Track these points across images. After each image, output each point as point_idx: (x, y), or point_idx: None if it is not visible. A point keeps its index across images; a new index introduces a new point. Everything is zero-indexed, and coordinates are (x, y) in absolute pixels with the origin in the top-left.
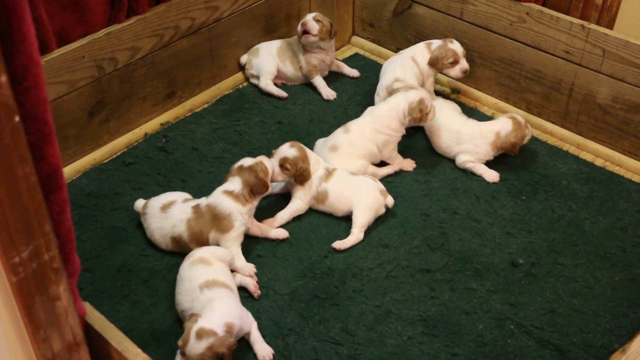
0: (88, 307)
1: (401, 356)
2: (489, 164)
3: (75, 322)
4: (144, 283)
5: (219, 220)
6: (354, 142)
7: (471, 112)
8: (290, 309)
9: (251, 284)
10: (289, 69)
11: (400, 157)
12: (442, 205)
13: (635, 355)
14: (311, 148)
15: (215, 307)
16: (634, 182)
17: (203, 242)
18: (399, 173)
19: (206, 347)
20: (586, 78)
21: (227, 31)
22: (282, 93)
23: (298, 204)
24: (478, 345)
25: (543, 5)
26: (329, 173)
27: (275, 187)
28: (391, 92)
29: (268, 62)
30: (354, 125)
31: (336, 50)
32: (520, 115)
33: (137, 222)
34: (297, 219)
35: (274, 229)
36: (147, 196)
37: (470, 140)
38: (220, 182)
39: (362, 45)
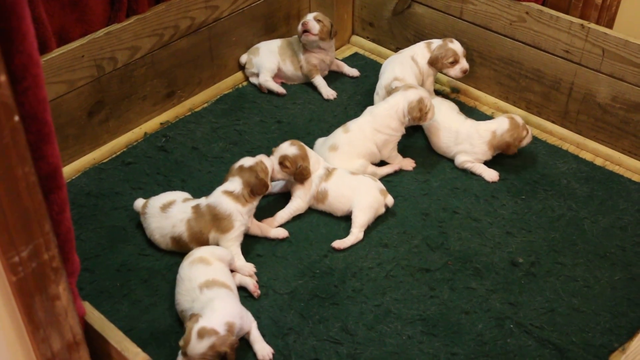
0: (88, 307)
1: (401, 355)
2: (489, 163)
3: (75, 321)
4: (144, 283)
5: (219, 221)
6: (353, 142)
7: (471, 111)
8: (290, 308)
9: (251, 283)
10: (289, 68)
11: (400, 157)
12: (442, 204)
13: (635, 355)
14: (311, 147)
15: (215, 307)
16: (633, 182)
17: (203, 242)
18: (399, 172)
19: (208, 346)
20: (586, 77)
21: (226, 31)
22: (281, 89)
23: (298, 203)
24: (478, 345)
25: (543, 4)
26: (328, 172)
27: (274, 187)
28: (390, 91)
29: (269, 59)
30: (354, 124)
31: (336, 49)
32: (520, 114)
33: (136, 221)
34: (296, 218)
35: (273, 228)
36: (147, 196)
37: (467, 139)
38: (220, 181)
39: (361, 44)
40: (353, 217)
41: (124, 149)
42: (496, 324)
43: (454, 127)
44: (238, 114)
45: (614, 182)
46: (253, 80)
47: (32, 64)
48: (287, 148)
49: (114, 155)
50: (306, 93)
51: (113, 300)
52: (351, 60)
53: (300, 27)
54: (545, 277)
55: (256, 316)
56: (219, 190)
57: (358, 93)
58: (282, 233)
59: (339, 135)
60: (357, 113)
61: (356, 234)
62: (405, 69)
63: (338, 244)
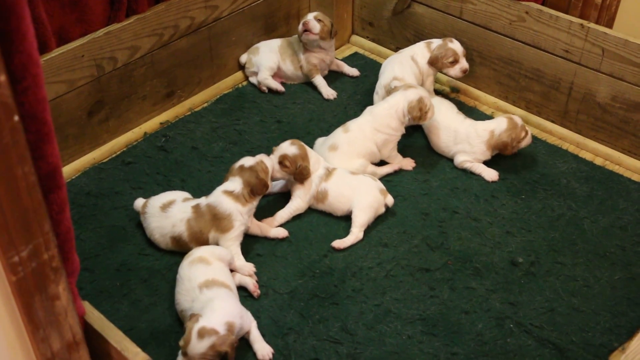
0: (87, 307)
1: (401, 355)
2: (488, 163)
3: (75, 321)
4: (144, 282)
5: (219, 220)
6: (353, 142)
7: (470, 111)
8: (289, 308)
9: (251, 283)
10: (289, 68)
11: (399, 156)
12: (442, 204)
13: (635, 354)
14: (311, 147)
15: (215, 307)
16: (633, 181)
17: (203, 241)
18: (399, 172)
19: (208, 346)
20: (585, 77)
21: (226, 30)
22: (280, 87)
23: (298, 203)
24: (478, 344)
25: (542, 4)
26: (329, 172)
27: (274, 186)
28: (389, 90)
29: (269, 57)
30: (354, 124)
31: (336, 49)
32: (519, 114)
33: (136, 221)
34: (296, 218)
35: (273, 228)
36: (147, 195)
37: (466, 139)
38: (220, 181)
39: (361, 44)
40: (353, 216)
41: (124, 149)
42: (496, 323)
43: (453, 126)
44: (238, 114)
45: (613, 181)
46: (253, 80)
47: (31, 64)
48: (287, 147)
49: (113, 155)
50: (306, 93)
51: (113, 300)
52: (351, 59)
53: (300, 27)
54: (545, 277)
55: (256, 316)
56: (219, 190)
57: (358, 93)
58: (282, 233)
59: (338, 135)
60: (357, 113)
61: (356, 233)
62: (404, 68)
63: (338, 243)
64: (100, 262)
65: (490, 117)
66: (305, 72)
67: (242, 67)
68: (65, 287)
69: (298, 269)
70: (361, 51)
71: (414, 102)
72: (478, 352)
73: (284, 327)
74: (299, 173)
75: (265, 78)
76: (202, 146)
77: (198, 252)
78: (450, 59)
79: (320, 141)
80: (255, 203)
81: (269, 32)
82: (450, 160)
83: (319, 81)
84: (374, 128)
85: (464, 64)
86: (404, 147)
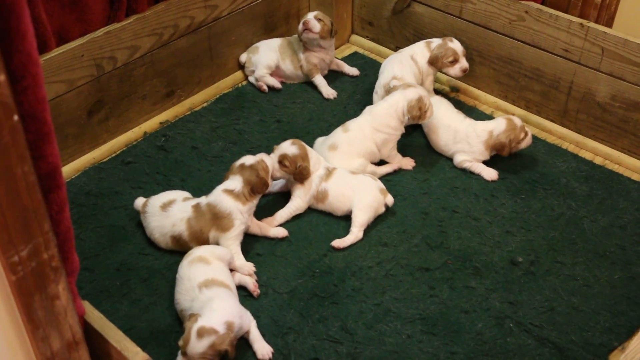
0: (87, 306)
1: (400, 355)
2: (488, 162)
3: (75, 320)
4: (144, 282)
5: (219, 219)
6: (353, 141)
7: (470, 110)
8: (289, 307)
9: (250, 282)
10: (289, 67)
11: (399, 156)
12: (442, 203)
13: (635, 354)
14: (311, 147)
15: (214, 307)
16: (633, 181)
17: (203, 241)
18: (398, 172)
19: (208, 345)
20: (585, 76)
21: (226, 30)
22: (277, 84)
23: (297, 202)
24: (477, 344)
25: (542, 3)
26: (329, 172)
27: (274, 186)
28: (389, 90)
29: (268, 56)
30: (353, 124)
31: (335, 49)
32: (519, 113)
33: (136, 221)
34: (296, 217)
35: (273, 227)
36: (147, 195)
37: (465, 139)
38: (220, 180)
39: (361, 44)
40: (353, 216)
41: (124, 149)
42: (496, 323)
43: (453, 125)
44: (238, 113)
45: (613, 181)
46: (252, 79)
47: (31, 63)
48: (288, 147)
49: (113, 155)
50: (306, 92)
51: (113, 299)
52: (351, 59)
53: (301, 26)
54: (545, 276)
55: (256, 315)
56: (219, 189)
57: (358, 92)
58: (282, 232)
59: (338, 134)
60: (356, 112)
61: (356, 233)
62: (404, 68)
63: (338, 243)
64: (100, 261)
65: (490, 117)
66: (305, 71)
67: (241, 67)
68: (65, 286)
69: (298, 268)
70: (361, 51)
71: (414, 102)
72: (478, 352)
73: (283, 326)
74: (298, 173)
75: (263, 75)
76: (202, 146)
77: (198, 251)
78: (450, 59)
79: (320, 141)
80: (255, 202)
81: (269, 32)
82: (450, 159)
83: (319, 80)
84: (374, 127)
85: (463, 63)
86: (403, 147)
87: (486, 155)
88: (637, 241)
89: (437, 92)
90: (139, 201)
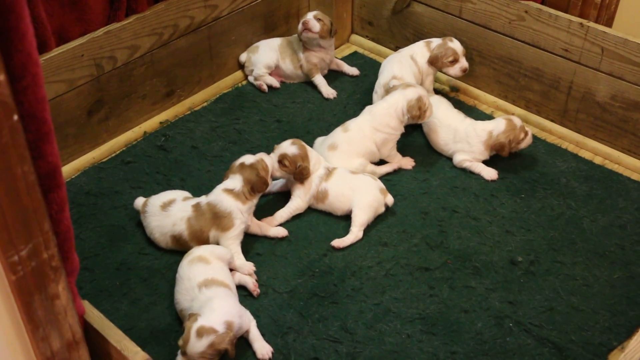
0: (87, 306)
1: (400, 354)
2: (488, 162)
3: (75, 320)
4: (144, 281)
5: (219, 219)
6: (352, 141)
7: (470, 110)
8: (289, 307)
9: (250, 282)
10: (289, 67)
11: (399, 156)
12: (441, 203)
13: (634, 353)
14: (311, 146)
15: (214, 306)
16: (632, 180)
17: (203, 240)
18: (398, 171)
19: (207, 345)
20: (585, 76)
21: (226, 30)
22: (276, 83)
23: (297, 202)
24: (477, 343)
25: (542, 3)
26: (329, 172)
27: (274, 185)
28: (388, 90)
29: (268, 55)
30: (353, 124)
31: (335, 48)
32: (519, 113)
33: (136, 220)
34: (296, 217)
35: (273, 227)
36: (147, 195)
37: (465, 138)
38: (220, 180)
39: (361, 43)
40: (353, 216)
41: (124, 148)
42: (495, 322)
43: (454, 125)
44: (237, 113)
45: (613, 180)
46: (252, 79)
47: (31, 63)
48: (288, 147)
49: (113, 155)
50: (305, 92)
51: (112, 299)
52: (350, 59)
53: (300, 26)
54: (545, 276)
55: (255, 315)
56: (219, 189)
57: (357, 92)
58: (282, 232)
59: (338, 134)
60: (356, 112)
61: (356, 232)
62: (404, 67)
63: (337, 242)
64: (100, 261)
65: (490, 117)
66: (305, 71)
67: (241, 67)
68: (64, 286)
69: (298, 268)
70: (361, 50)
71: (413, 101)
72: (477, 351)
73: (283, 326)
74: (298, 173)
75: (261, 75)
76: (202, 145)
77: (198, 251)
78: (450, 58)
79: (319, 140)
80: (255, 201)
81: (269, 31)
82: (450, 159)
83: (319, 80)
84: (374, 127)
85: (463, 63)
86: (403, 146)
87: (486, 155)
88: (636, 241)
89: (437, 91)
90: (139, 201)
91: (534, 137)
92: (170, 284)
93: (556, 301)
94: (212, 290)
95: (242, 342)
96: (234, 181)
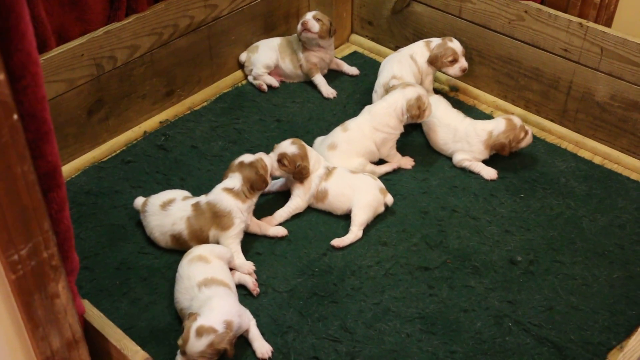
0: (87, 305)
1: (400, 353)
2: (487, 162)
3: (74, 319)
4: (143, 281)
5: (219, 218)
6: (352, 141)
7: (470, 110)
8: (289, 306)
9: (250, 281)
10: (288, 67)
11: (398, 155)
12: (441, 203)
13: (633, 352)
14: (310, 146)
15: (213, 306)
16: (632, 180)
17: (203, 239)
18: (398, 171)
19: (207, 344)
20: (584, 76)
21: (226, 29)
22: (275, 82)
23: (297, 202)
24: (476, 343)
25: (541, 3)
26: (328, 172)
27: (273, 185)
28: (388, 89)
29: (267, 55)
30: (353, 123)
31: (335, 48)
32: (519, 113)
33: (136, 220)
34: (296, 216)
35: (272, 226)
36: (146, 194)
37: (465, 138)
38: (219, 180)
39: (360, 43)
40: (352, 215)
41: (124, 148)
42: (495, 322)
43: (453, 124)
44: (237, 113)
45: (612, 180)
46: (251, 78)
47: (31, 63)
48: (287, 147)
49: (113, 154)
50: (305, 92)
51: (112, 298)
52: (350, 58)
53: (299, 27)
54: (544, 276)
55: (255, 314)
56: (218, 188)
57: (357, 92)
58: (282, 231)
59: (337, 134)
60: (356, 112)
61: (355, 232)
62: (403, 67)
63: (337, 242)
64: (99, 260)
65: (489, 116)
66: (305, 70)
67: (241, 66)
68: (64, 285)
69: (297, 267)
70: (360, 50)
71: (413, 100)
72: (477, 351)
73: (283, 325)
74: (297, 172)
75: (260, 74)
76: (202, 145)
77: (197, 250)
78: (450, 58)
79: (319, 140)
80: (254, 200)
81: (269, 31)
82: (449, 158)
83: (319, 80)
84: (373, 127)
85: (463, 63)
86: (402, 146)
87: (485, 155)
88: (636, 240)
89: (436, 91)
90: (139, 200)
91: (534, 136)
92: (170, 283)
93: (555, 301)
94: (212, 290)
95: (242, 341)
96: (233, 180)
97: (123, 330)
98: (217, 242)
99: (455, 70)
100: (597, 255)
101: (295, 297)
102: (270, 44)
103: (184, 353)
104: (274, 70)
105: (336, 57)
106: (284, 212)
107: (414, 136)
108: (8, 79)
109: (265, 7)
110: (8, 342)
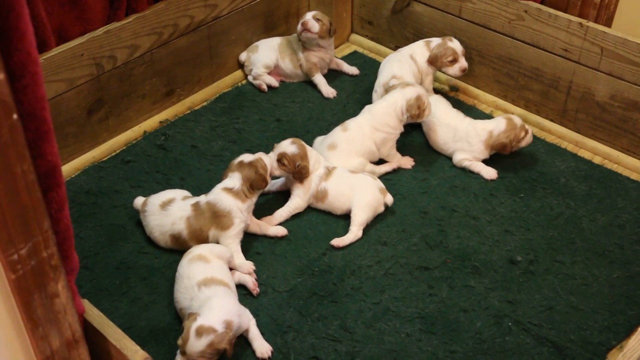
0: (87, 305)
1: (399, 353)
2: (487, 161)
3: (74, 319)
4: (143, 280)
5: (219, 218)
6: (352, 140)
7: (470, 110)
8: (288, 306)
9: (250, 281)
10: (288, 66)
11: (398, 155)
12: (441, 202)
13: (633, 352)
14: (310, 146)
15: (213, 305)
16: (632, 180)
17: (203, 239)
18: (398, 171)
19: (206, 344)
20: (584, 76)
21: (226, 29)
22: (275, 82)
23: (297, 202)
24: (476, 343)
25: (541, 3)
26: (328, 172)
27: (273, 184)
28: (387, 89)
29: (267, 54)
30: (353, 123)
31: (335, 48)
32: (518, 113)
33: (136, 219)
34: (295, 216)
35: (272, 226)
36: (146, 194)
37: (465, 137)
38: (219, 179)
39: (360, 43)
40: (352, 215)
41: (124, 147)
42: (494, 321)
43: (453, 124)
44: (237, 113)
45: (612, 180)
46: (251, 78)
47: (30, 62)
48: (287, 146)
49: (113, 154)
50: (305, 91)
51: (112, 298)
52: (350, 58)
53: (299, 27)
54: (544, 275)
55: (255, 314)
56: (218, 188)
57: (357, 91)
58: (281, 231)
59: (337, 133)
60: (356, 111)
61: (355, 232)
62: (403, 67)
63: (337, 242)
64: (99, 260)
65: (489, 116)
66: (305, 70)
67: (241, 66)
68: (64, 285)
69: (297, 267)
70: (360, 50)
71: (412, 100)
72: (476, 351)
73: (283, 325)
74: (297, 172)
75: (260, 74)
76: (202, 145)
77: (197, 250)
78: (450, 58)
79: (319, 140)
80: (254, 199)
81: (269, 31)
82: (449, 158)
83: (319, 80)
84: (373, 127)
85: (463, 62)
86: (402, 146)
87: (486, 154)
88: (635, 240)
89: (436, 91)
90: (139, 200)
91: (534, 136)
92: (169, 283)
93: (555, 300)
94: (212, 289)
95: (242, 340)
96: (233, 180)
97: (123, 330)
98: (217, 242)
99: (455, 70)
100: (597, 255)
101: (295, 297)
102: (270, 44)
103: (183, 353)
104: (274, 70)
105: (336, 57)
106: (283, 212)
107: (414, 136)
108: (8, 79)
109: (265, 6)
110: (8, 341)
